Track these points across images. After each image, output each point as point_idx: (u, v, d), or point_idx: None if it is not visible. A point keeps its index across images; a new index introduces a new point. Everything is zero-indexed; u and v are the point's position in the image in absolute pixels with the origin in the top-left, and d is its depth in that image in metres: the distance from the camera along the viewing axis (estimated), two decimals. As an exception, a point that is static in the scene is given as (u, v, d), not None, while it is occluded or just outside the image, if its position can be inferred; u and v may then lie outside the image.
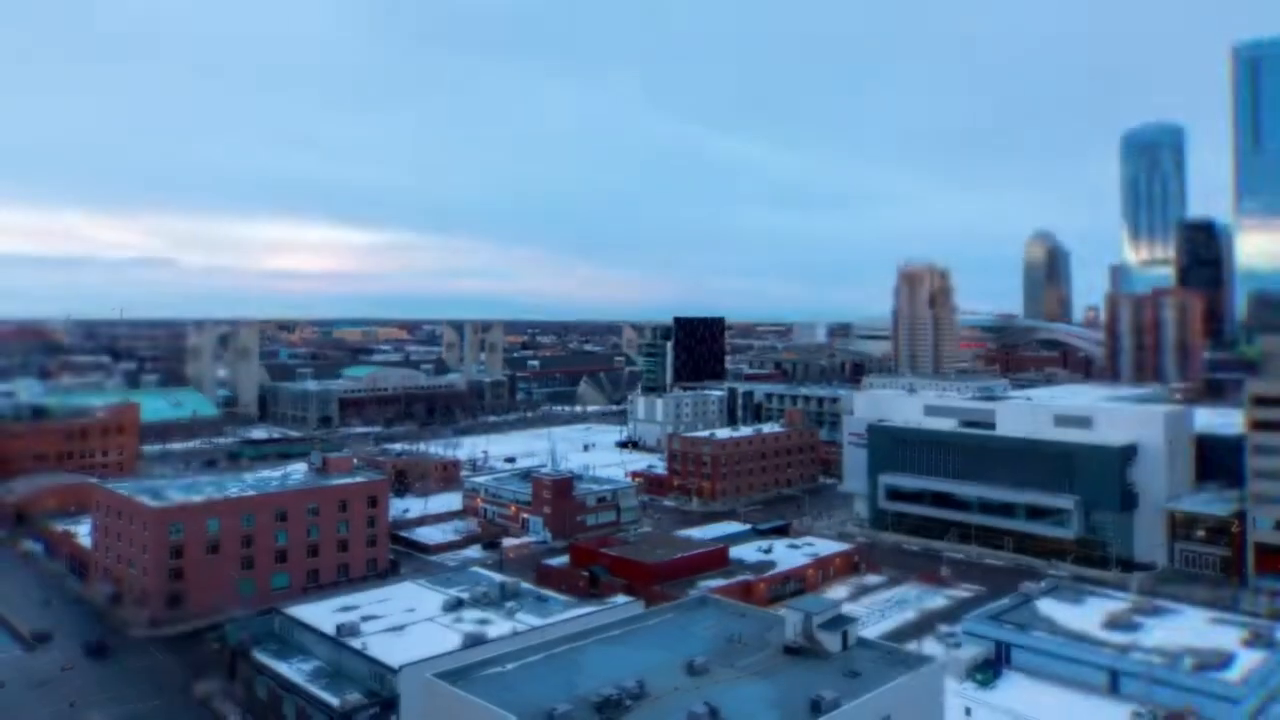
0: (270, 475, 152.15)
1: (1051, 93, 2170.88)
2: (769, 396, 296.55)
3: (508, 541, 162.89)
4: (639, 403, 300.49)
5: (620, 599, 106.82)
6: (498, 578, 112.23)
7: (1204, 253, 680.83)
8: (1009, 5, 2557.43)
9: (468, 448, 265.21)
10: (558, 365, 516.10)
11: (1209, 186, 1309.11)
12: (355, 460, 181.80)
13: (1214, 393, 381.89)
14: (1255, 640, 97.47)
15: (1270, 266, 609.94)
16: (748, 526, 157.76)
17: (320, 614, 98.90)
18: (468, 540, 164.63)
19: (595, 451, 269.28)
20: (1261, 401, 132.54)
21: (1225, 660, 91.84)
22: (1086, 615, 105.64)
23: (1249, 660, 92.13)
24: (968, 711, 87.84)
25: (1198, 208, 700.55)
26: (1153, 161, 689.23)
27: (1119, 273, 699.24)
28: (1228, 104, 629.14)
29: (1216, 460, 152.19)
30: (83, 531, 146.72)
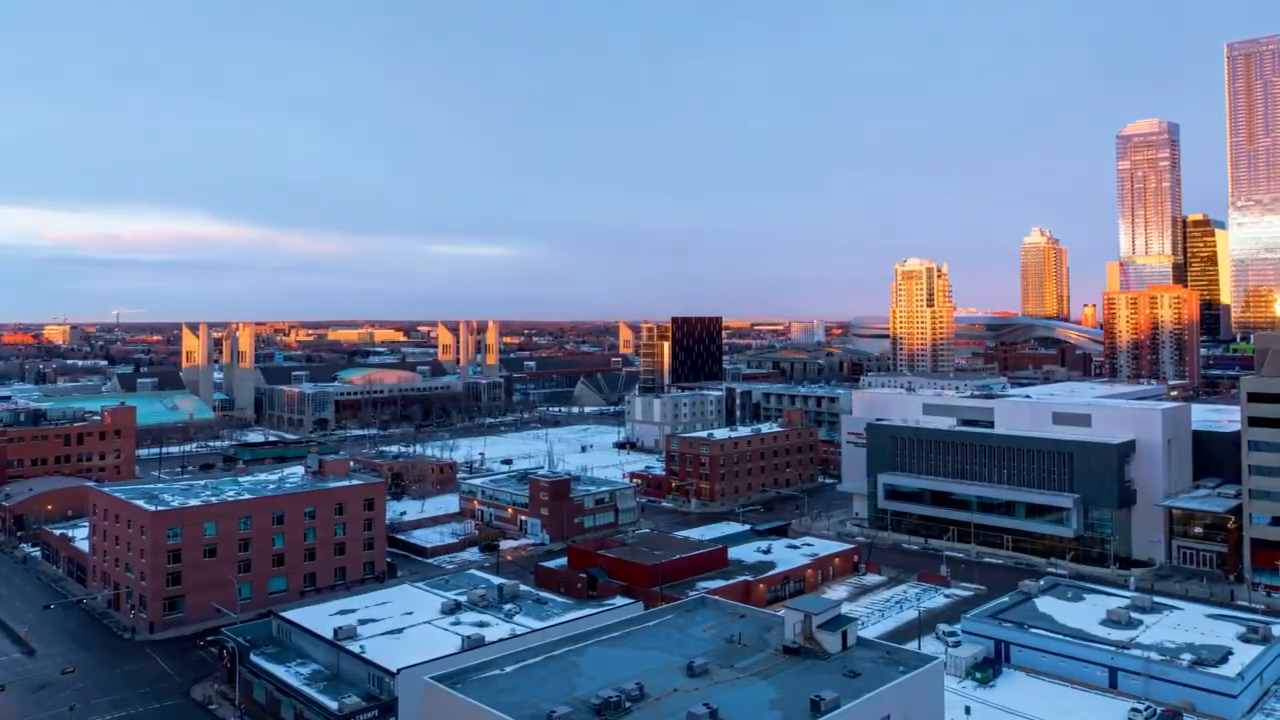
0: (267, 478, 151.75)
1: (1050, 92, 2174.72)
2: (767, 396, 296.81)
3: (505, 544, 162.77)
4: (636, 403, 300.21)
5: (619, 601, 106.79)
6: (496, 580, 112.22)
7: (1200, 249, 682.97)
8: (1007, 4, 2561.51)
9: (464, 450, 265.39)
10: (555, 366, 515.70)
11: (1204, 183, 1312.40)
12: (352, 463, 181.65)
13: (1210, 389, 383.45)
14: (1252, 635, 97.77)
15: (1265, 261, 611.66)
16: (746, 527, 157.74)
17: (318, 617, 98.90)
18: (465, 542, 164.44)
19: (593, 452, 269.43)
20: (1257, 398, 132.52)
21: (1223, 656, 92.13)
22: (1085, 613, 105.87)
23: (1246, 655, 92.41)
24: (967, 710, 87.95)
25: (1193, 204, 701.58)
26: (1149, 159, 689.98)
27: (1116, 270, 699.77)
28: (1223, 101, 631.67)
29: (1214, 456, 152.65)
30: (80, 535, 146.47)
